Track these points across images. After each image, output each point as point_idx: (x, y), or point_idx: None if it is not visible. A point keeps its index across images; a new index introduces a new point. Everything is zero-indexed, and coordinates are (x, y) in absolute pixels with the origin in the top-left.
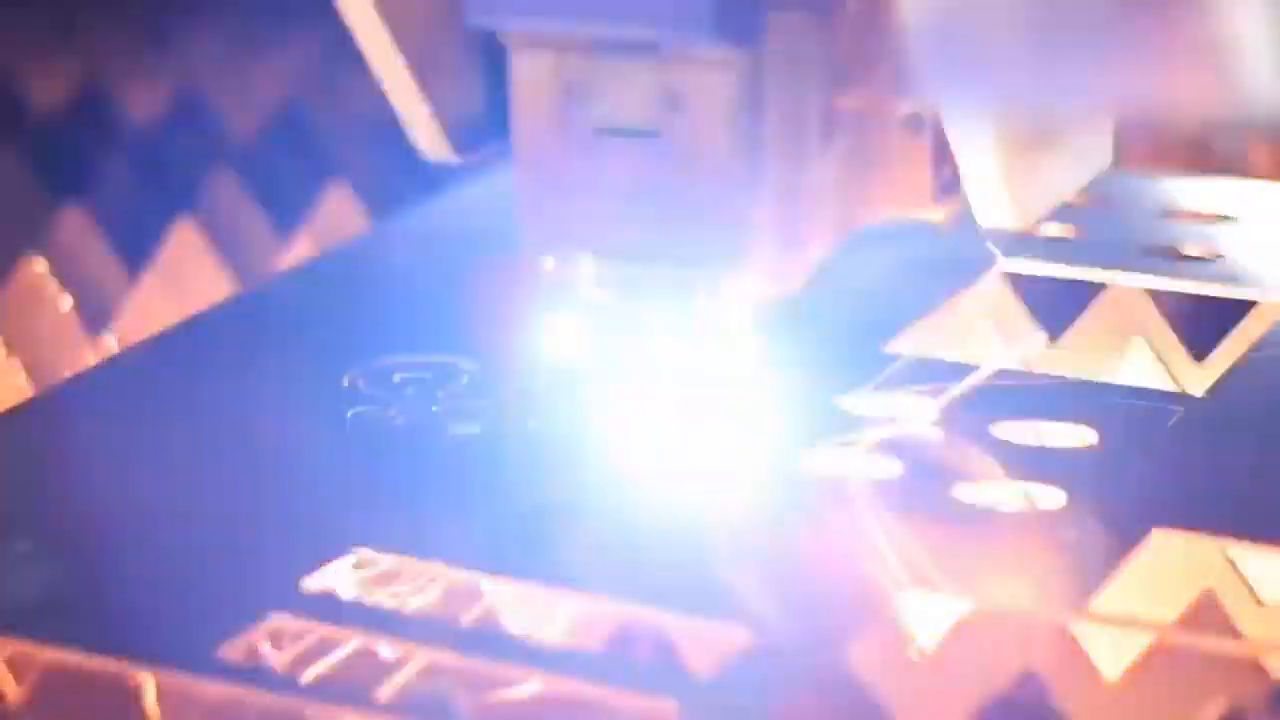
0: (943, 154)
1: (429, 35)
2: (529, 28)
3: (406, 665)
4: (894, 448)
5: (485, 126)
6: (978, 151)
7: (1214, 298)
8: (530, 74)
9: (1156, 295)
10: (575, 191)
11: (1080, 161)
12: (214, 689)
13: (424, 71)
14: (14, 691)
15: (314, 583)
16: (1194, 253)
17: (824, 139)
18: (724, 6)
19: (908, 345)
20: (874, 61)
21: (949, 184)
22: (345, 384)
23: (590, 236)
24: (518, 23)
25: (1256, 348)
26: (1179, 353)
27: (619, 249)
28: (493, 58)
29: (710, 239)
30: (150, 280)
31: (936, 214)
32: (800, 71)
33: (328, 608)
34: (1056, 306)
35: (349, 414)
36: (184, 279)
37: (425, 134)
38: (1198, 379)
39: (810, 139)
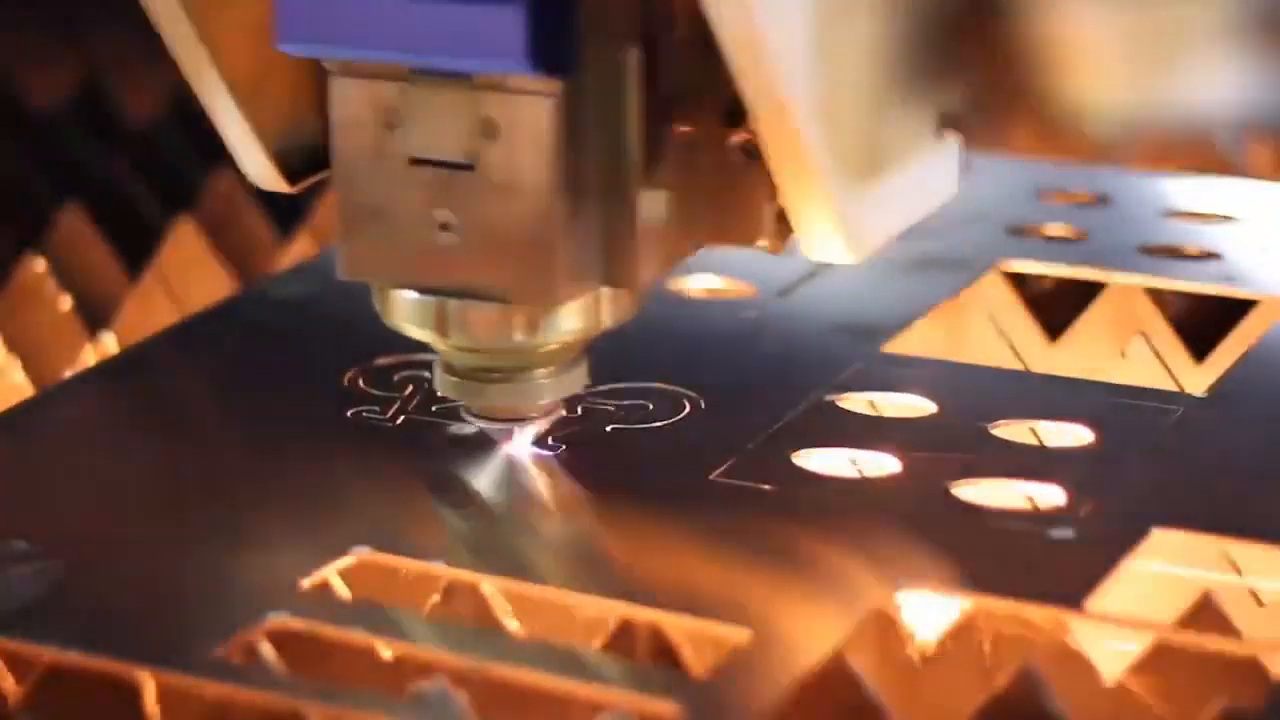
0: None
1: (255, 62)
2: (343, 56)
3: (406, 665)
4: (893, 446)
5: (318, 154)
6: (806, 183)
7: (1214, 298)
8: (348, 102)
9: (1156, 295)
10: (392, 222)
11: (920, 192)
12: (214, 689)
13: (251, 100)
14: (14, 691)
15: (314, 583)
16: (1194, 253)
17: (650, 169)
18: (539, 37)
19: (907, 345)
20: (702, 90)
21: (784, 213)
22: (345, 384)
23: (406, 269)
24: (331, 51)
25: (1256, 348)
26: (1179, 353)
27: (436, 282)
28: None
29: (528, 273)
30: (150, 280)
31: (772, 244)
32: (621, 101)
33: (328, 608)
34: (1057, 306)
35: (348, 414)
36: (184, 279)
37: (253, 162)
38: (1198, 379)
39: (634, 169)
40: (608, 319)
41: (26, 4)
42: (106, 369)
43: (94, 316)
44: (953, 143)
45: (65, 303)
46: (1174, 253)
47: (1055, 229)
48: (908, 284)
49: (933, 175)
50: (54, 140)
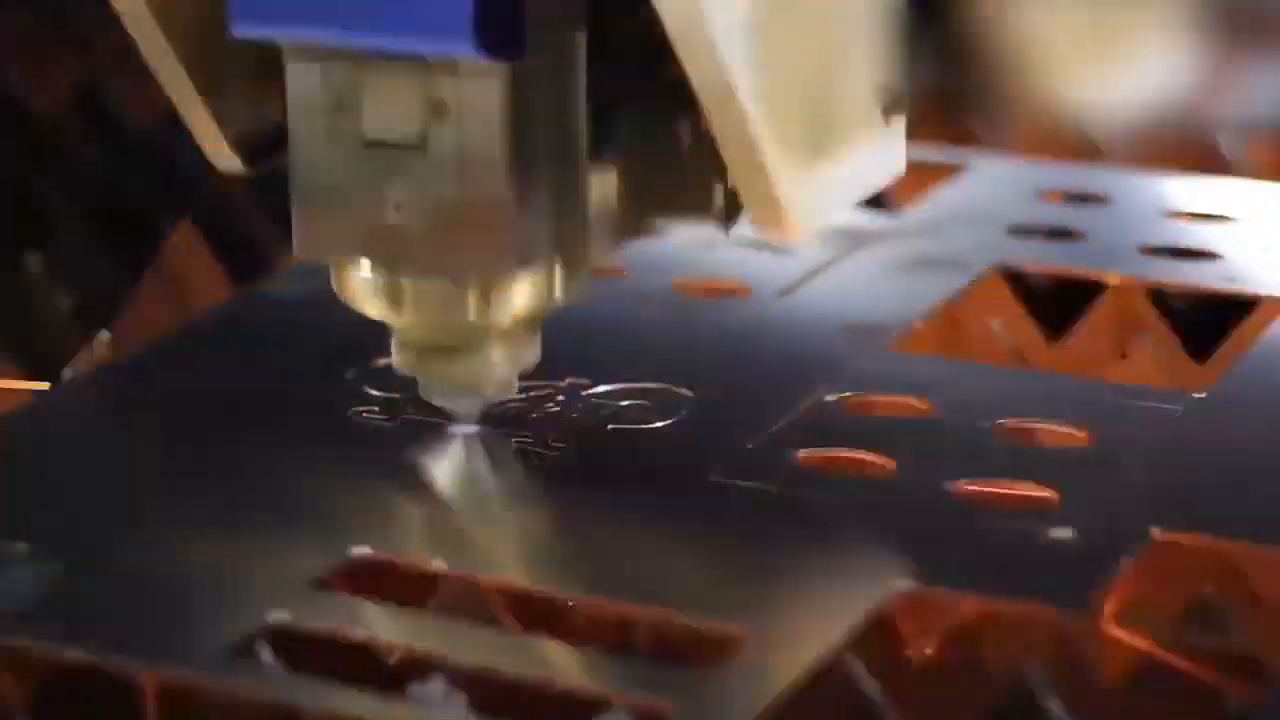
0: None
1: (212, 45)
2: (294, 39)
3: (406, 665)
4: (893, 446)
5: (279, 136)
6: (751, 162)
7: (1214, 297)
8: (302, 84)
9: (1156, 295)
10: (346, 202)
11: (867, 169)
12: (214, 689)
13: (208, 82)
14: (14, 691)
15: (313, 583)
16: (1194, 253)
17: (600, 149)
18: (487, 19)
19: (907, 345)
20: (651, 71)
21: (733, 194)
22: (345, 384)
23: (360, 248)
24: (282, 34)
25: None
26: (1179, 353)
27: (390, 261)
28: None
29: (479, 252)
30: (150, 280)
31: (721, 222)
32: (571, 82)
33: (327, 608)
34: (1057, 307)
35: (349, 413)
36: (184, 279)
37: (211, 144)
38: (1198, 379)
39: (584, 150)
40: (559, 297)
41: (27, 4)
42: (107, 369)
43: (94, 316)
44: (899, 123)
45: (65, 303)
46: (1174, 253)
47: (1055, 229)
48: (908, 284)
49: (879, 155)
50: (54, 140)
